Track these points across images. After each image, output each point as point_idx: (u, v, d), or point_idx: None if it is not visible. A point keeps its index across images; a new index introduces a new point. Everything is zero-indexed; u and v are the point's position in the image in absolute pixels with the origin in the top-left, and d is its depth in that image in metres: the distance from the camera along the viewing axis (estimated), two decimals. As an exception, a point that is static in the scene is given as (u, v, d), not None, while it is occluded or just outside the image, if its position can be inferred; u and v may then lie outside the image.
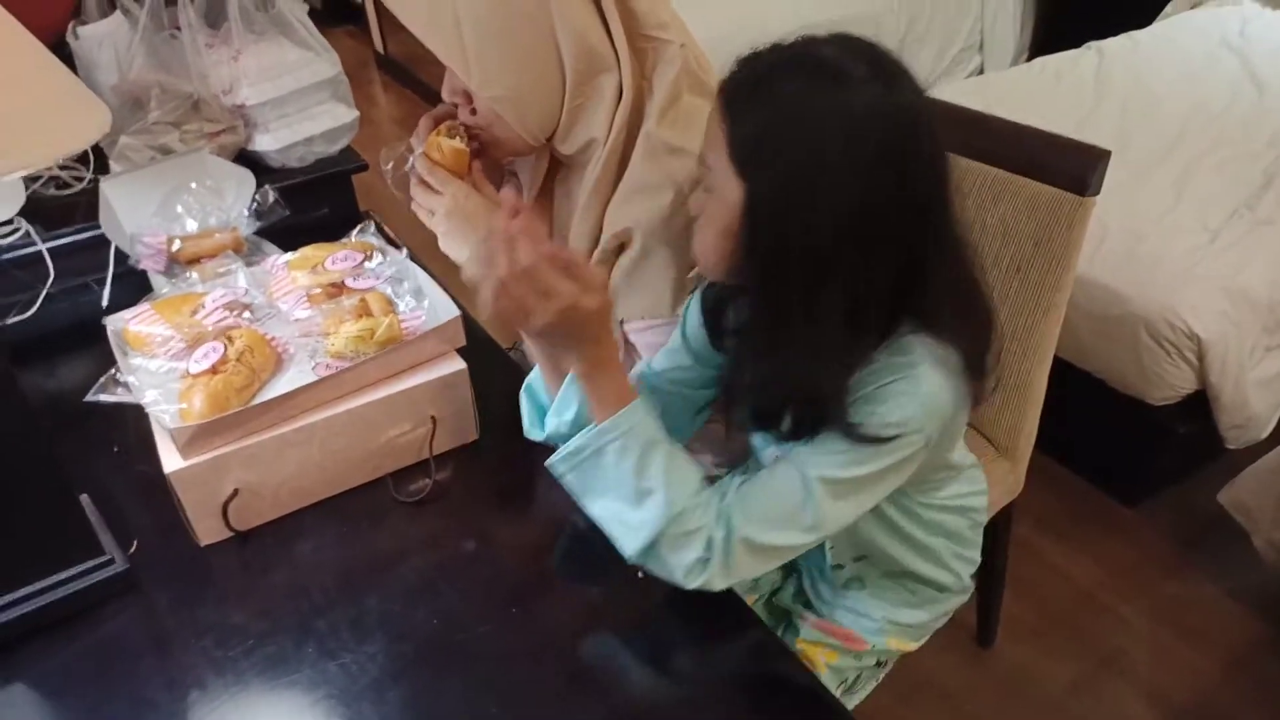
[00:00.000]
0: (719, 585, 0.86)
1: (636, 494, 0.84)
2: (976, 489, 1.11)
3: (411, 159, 1.12)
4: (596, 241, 1.09)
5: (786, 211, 0.78)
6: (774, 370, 0.85)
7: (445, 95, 1.09)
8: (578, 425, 0.93)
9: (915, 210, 0.79)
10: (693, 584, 0.85)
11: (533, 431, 1.01)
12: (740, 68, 0.81)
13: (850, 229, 0.77)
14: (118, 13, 1.48)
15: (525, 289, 0.78)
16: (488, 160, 1.13)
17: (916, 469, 0.88)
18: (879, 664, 1.16)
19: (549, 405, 0.97)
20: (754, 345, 0.89)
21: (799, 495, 0.84)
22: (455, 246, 1.12)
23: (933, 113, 0.80)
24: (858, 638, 1.12)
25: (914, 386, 0.82)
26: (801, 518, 0.85)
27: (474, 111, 1.08)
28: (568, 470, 0.89)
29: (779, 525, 0.85)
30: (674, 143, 1.02)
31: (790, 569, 1.20)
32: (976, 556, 1.15)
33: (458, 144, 1.08)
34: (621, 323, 1.11)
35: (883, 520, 1.01)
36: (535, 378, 1.00)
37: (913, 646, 1.16)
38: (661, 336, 1.06)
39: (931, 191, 0.80)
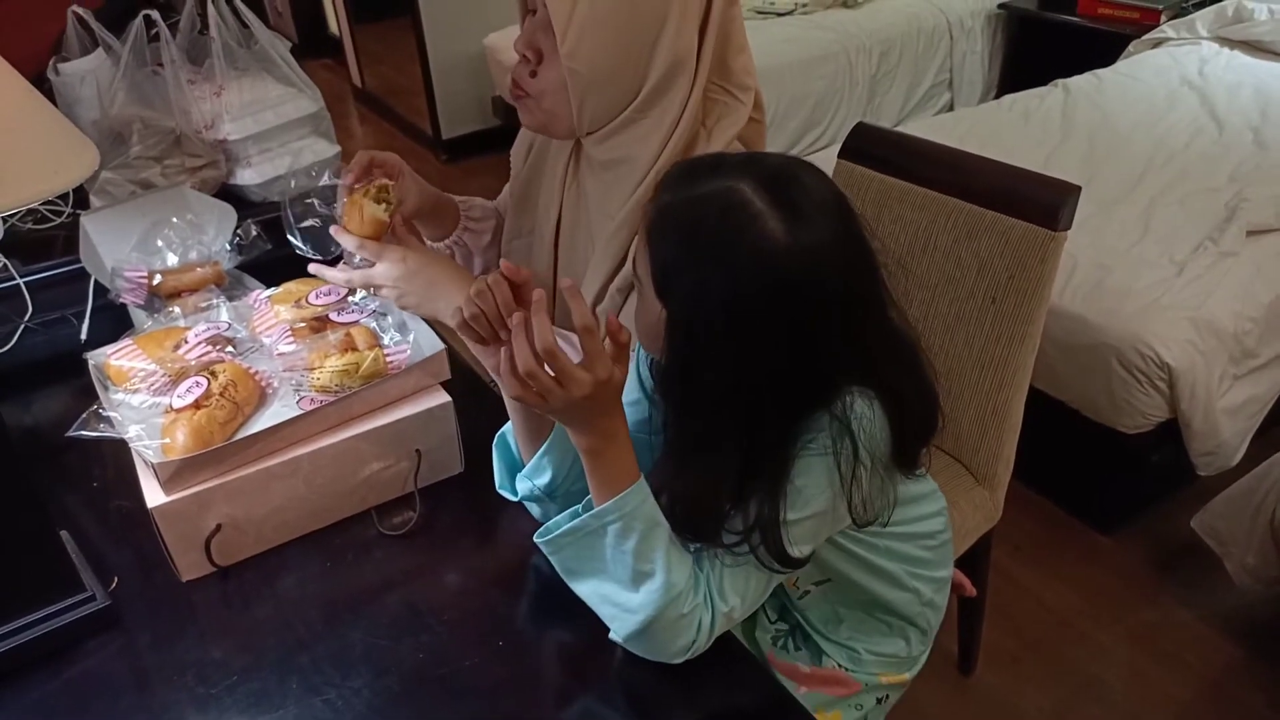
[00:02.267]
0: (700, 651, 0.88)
1: (634, 576, 0.83)
2: (930, 511, 1.10)
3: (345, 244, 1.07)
4: (619, 263, 1.10)
5: (692, 342, 0.80)
6: (683, 484, 0.86)
7: (518, 47, 1.06)
8: (551, 491, 0.94)
9: (826, 341, 0.81)
10: (679, 660, 0.87)
11: (504, 488, 1.01)
12: (666, 189, 0.82)
13: (753, 368, 0.80)
14: (99, 49, 1.48)
15: (543, 376, 0.79)
16: (407, 225, 1.11)
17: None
18: (879, 701, 1.16)
19: (521, 463, 0.97)
20: (669, 452, 0.90)
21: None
22: (419, 303, 1.07)
23: (854, 244, 0.82)
24: (847, 680, 1.12)
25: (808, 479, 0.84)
26: (769, 582, 0.89)
27: (534, 74, 1.06)
28: (561, 549, 0.88)
29: (755, 596, 0.89)
30: None
31: (783, 611, 1.20)
32: (941, 574, 1.14)
33: (381, 214, 1.03)
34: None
35: (838, 547, 1.01)
36: (509, 431, 0.99)
37: (906, 677, 1.16)
38: None
39: (847, 322, 0.82)
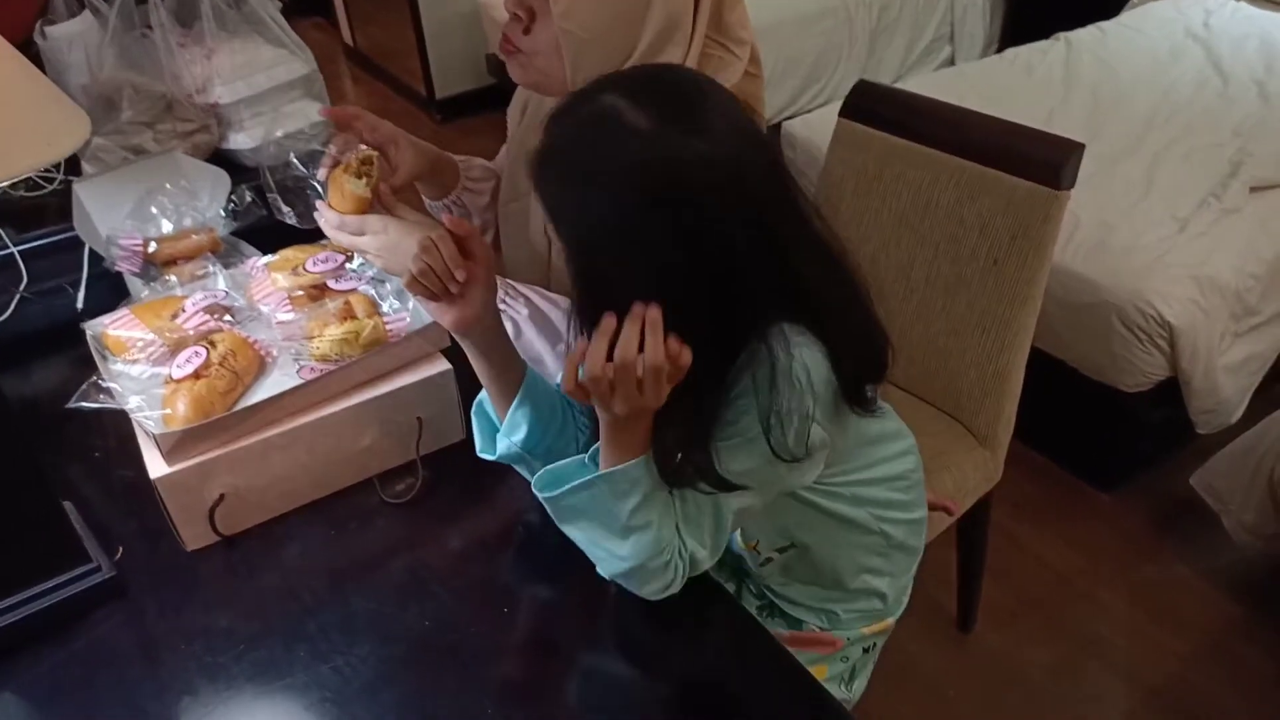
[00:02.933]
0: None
1: (625, 529, 0.86)
2: (896, 451, 1.07)
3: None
4: None
5: (591, 274, 0.80)
6: None
7: (509, 6, 1.05)
8: (531, 447, 0.94)
9: (726, 260, 0.78)
10: (656, 598, 0.90)
11: (485, 450, 1.00)
12: (546, 131, 0.80)
13: (654, 291, 0.77)
14: (86, 12, 1.46)
15: (630, 383, 0.78)
16: (401, 191, 1.07)
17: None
18: (866, 651, 1.17)
19: (497, 424, 0.97)
20: None
21: (718, 513, 0.89)
22: (403, 273, 1.03)
23: (747, 145, 0.78)
24: (829, 638, 1.13)
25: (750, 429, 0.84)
26: (726, 524, 0.90)
27: (527, 31, 1.05)
28: (561, 500, 0.88)
29: (711, 533, 0.90)
30: None
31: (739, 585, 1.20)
32: (914, 515, 1.12)
33: (361, 189, 0.99)
34: None
35: (801, 502, 1.01)
36: (485, 397, 0.99)
37: (890, 623, 1.16)
38: None
39: (751, 236, 0.78)
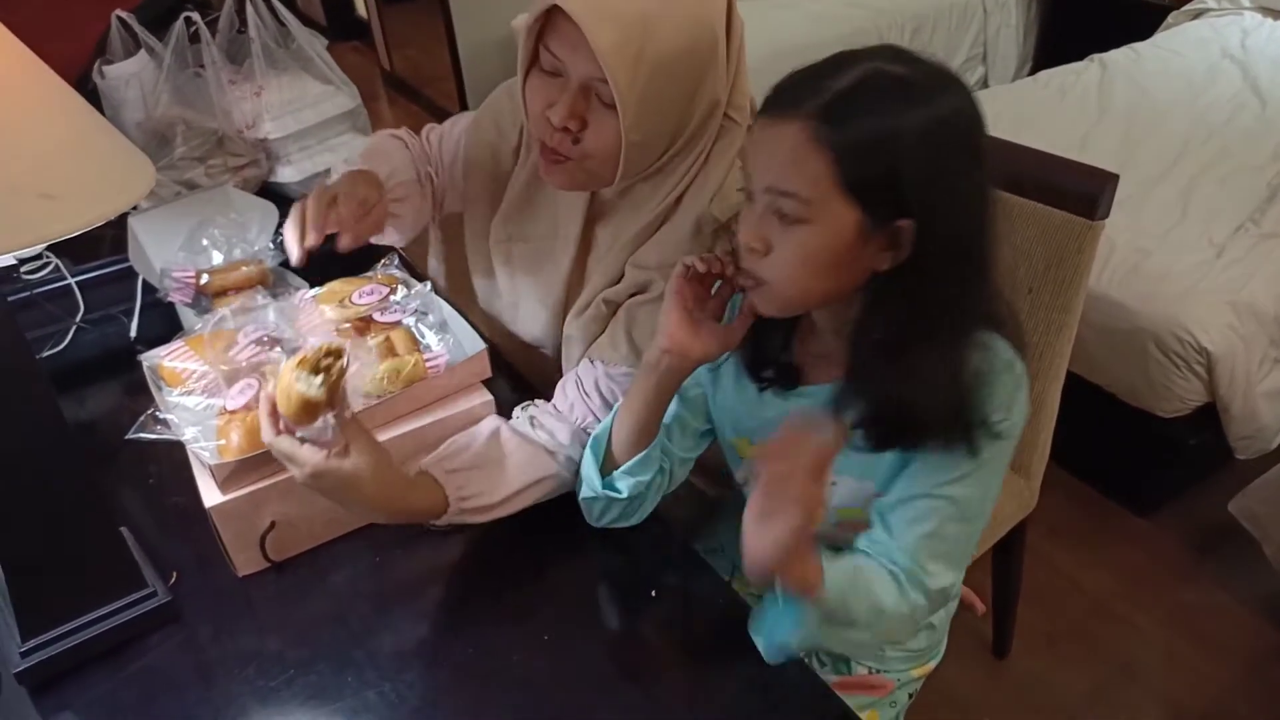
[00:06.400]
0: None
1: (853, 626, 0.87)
2: None
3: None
4: (613, 279, 1.11)
5: (934, 236, 0.78)
6: (905, 388, 0.83)
7: (558, 120, 0.98)
8: (639, 492, 0.97)
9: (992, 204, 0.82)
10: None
11: (590, 486, 1.00)
12: (823, 100, 0.76)
13: (973, 232, 0.80)
14: (142, 52, 1.51)
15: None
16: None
17: None
18: (910, 696, 1.18)
19: (607, 462, 0.99)
20: (875, 365, 0.85)
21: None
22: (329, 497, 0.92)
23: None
24: (881, 681, 1.14)
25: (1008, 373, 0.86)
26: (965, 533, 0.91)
27: (577, 141, 1.00)
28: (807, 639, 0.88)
29: (951, 550, 0.90)
30: (721, 219, 1.04)
31: None
32: None
33: (311, 392, 0.82)
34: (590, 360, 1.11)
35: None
36: (602, 434, 1.00)
37: (932, 666, 1.18)
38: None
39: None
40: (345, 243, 1.06)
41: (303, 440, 0.87)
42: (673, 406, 1.01)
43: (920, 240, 0.78)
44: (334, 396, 0.85)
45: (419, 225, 1.29)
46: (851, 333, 0.86)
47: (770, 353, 0.96)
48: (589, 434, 1.03)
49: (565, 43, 0.95)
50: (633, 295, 1.10)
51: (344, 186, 1.09)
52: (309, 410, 0.83)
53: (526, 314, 1.24)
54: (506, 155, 1.22)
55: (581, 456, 1.02)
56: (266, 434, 0.87)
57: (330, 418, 0.87)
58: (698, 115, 1.01)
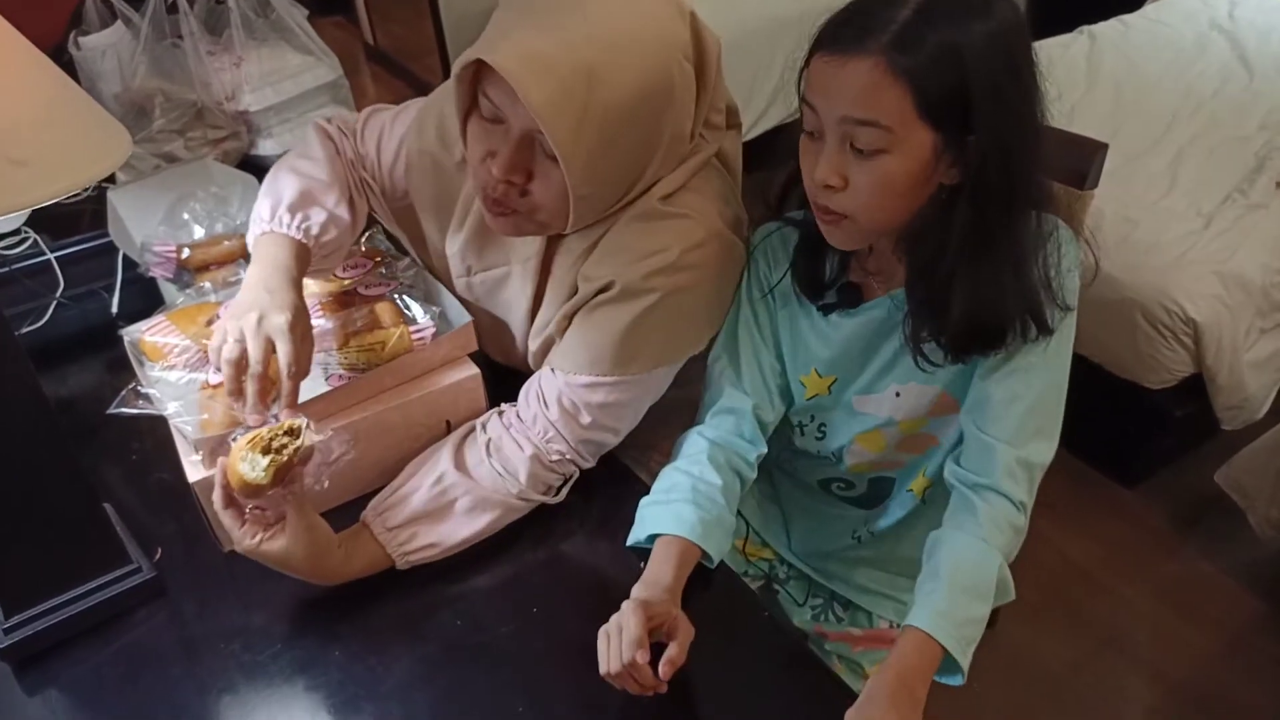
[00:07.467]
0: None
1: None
2: None
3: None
4: (570, 293, 1.05)
5: (999, 144, 0.82)
6: (993, 291, 0.88)
7: (499, 173, 0.91)
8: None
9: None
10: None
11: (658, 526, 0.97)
12: (891, 31, 0.79)
13: (1037, 137, 0.86)
14: (119, 23, 1.48)
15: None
16: None
17: None
18: None
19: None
20: (955, 279, 0.89)
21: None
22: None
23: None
24: None
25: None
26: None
27: (524, 193, 0.94)
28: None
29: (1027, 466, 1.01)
30: (668, 210, 0.98)
31: (811, 589, 1.22)
32: None
33: (252, 475, 0.84)
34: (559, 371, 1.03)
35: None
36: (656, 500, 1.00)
37: None
38: (601, 395, 1.00)
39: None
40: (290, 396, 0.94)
41: (255, 508, 0.90)
42: (756, 353, 1.04)
43: (985, 148, 0.81)
44: (285, 475, 0.86)
45: (354, 238, 1.17)
46: (914, 245, 0.90)
47: (827, 276, 0.99)
48: (550, 448, 1.01)
49: (502, 91, 0.87)
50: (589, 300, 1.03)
51: (255, 355, 0.91)
52: (252, 491, 0.86)
53: (492, 339, 1.19)
54: (450, 169, 1.10)
55: (537, 489, 1.02)
56: (217, 502, 0.89)
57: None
58: (658, 156, 0.95)
